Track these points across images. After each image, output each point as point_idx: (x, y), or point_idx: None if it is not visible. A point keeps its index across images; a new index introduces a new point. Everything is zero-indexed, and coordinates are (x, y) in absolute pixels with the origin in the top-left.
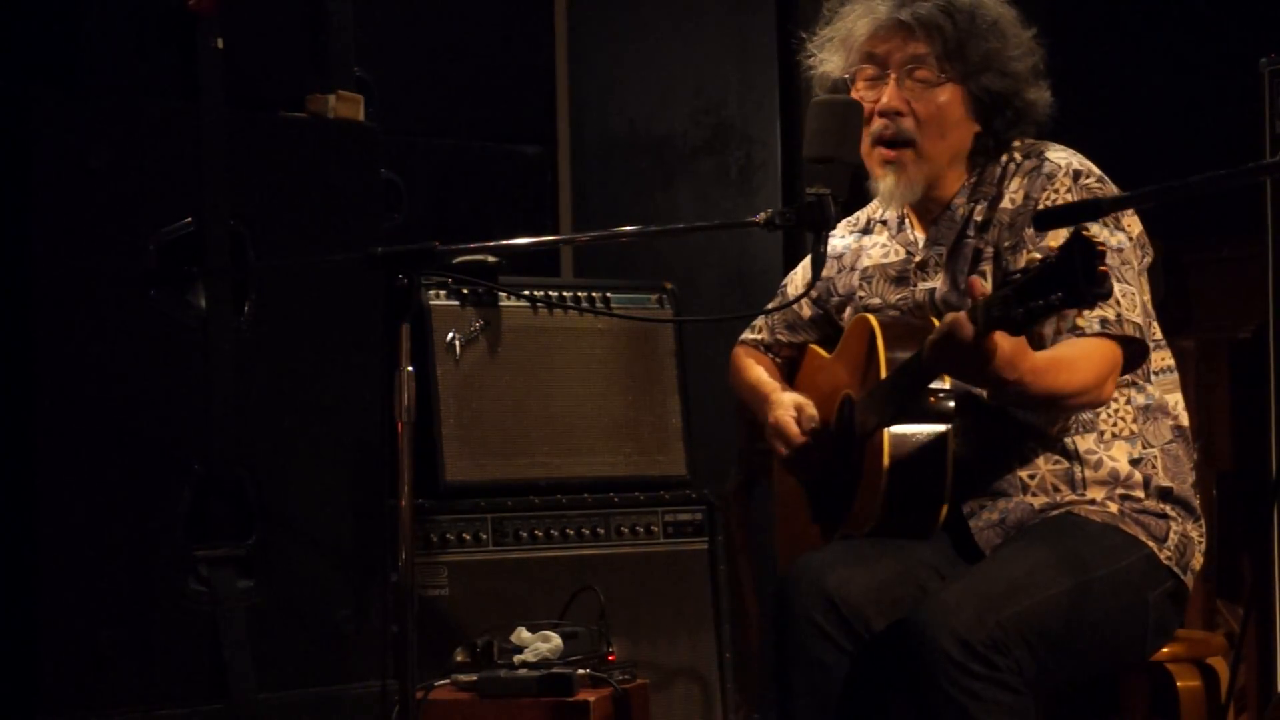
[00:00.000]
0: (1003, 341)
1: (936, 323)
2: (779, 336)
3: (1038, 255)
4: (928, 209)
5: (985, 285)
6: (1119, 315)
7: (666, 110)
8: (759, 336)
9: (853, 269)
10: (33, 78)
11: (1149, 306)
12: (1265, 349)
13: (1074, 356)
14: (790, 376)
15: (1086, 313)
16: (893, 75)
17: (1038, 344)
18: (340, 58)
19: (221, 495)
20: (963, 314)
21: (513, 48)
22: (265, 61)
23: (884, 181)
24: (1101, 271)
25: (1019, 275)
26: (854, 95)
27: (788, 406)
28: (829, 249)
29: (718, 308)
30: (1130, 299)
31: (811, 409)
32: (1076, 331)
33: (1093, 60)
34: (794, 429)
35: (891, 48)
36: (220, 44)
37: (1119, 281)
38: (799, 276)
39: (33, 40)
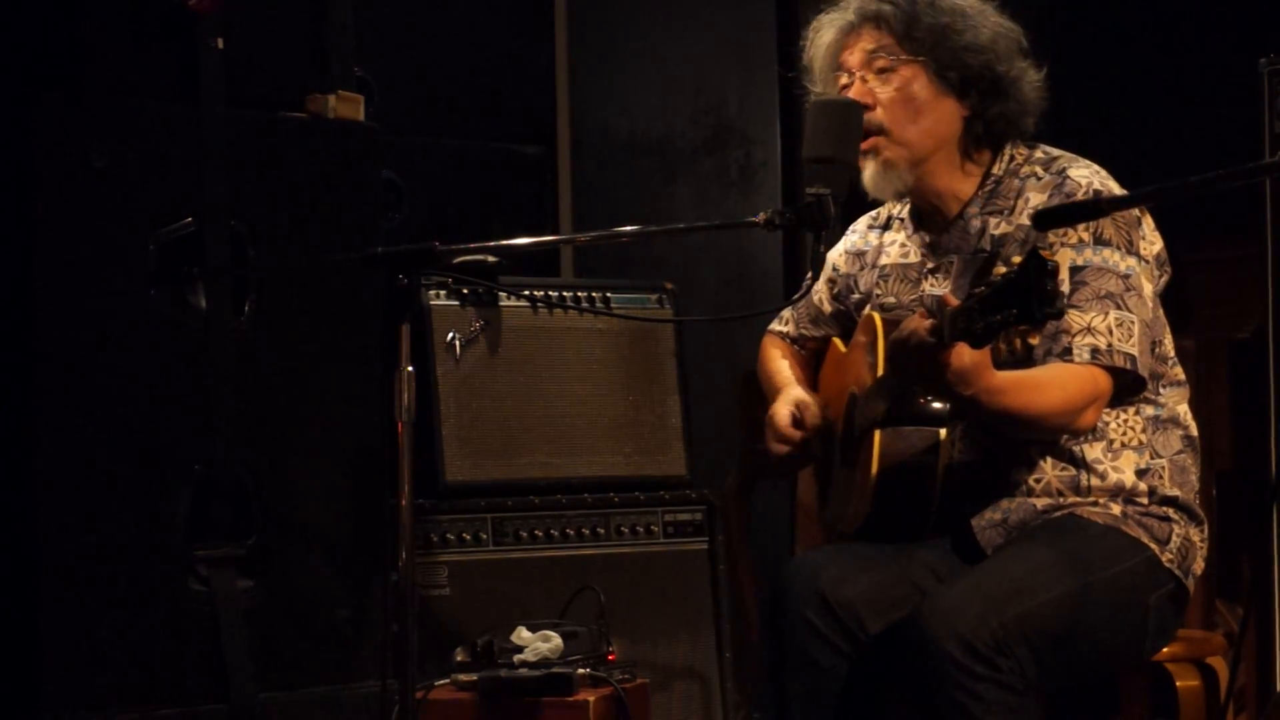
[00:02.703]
0: (961, 356)
1: None
2: (803, 330)
3: (1002, 269)
4: (936, 209)
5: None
6: (1110, 345)
7: (666, 110)
8: (785, 329)
9: (873, 266)
10: (33, 78)
11: (1159, 329)
12: (1265, 349)
13: (1045, 380)
14: (817, 369)
15: (1078, 340)
16: (857, 74)
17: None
18: (340, 58)
19: (221, 495)
20: (919, 315)
21: (513, 48)
22: (265, 61)
23: (866, 171)
24: (1053, 291)
25: (982, 289)
26: None
27: (788, 402)
28: (851, 248)
29: (718, 308)
30: (1126, 328)
31: (815, 407)
32: (1066, 357)
33: (1092, 60)
34: (785, 424)
35: (850, 50)
36: (220, 44)
37: (1118, 309)
38: None
39: (33, 40)
